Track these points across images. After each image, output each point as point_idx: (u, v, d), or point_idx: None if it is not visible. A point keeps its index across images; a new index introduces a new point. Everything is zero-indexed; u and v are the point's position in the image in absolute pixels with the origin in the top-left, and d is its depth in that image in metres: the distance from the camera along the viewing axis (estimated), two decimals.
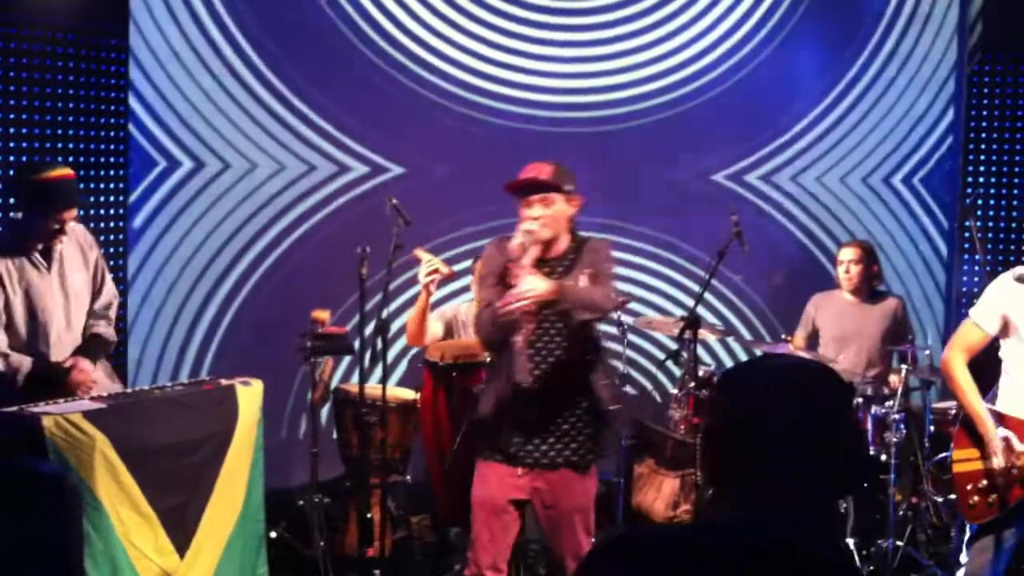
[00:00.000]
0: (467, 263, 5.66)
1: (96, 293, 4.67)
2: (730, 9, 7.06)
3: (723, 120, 7.07)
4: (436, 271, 4.73)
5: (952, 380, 4.25)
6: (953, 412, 5.05)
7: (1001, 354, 4.24)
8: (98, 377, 4.55)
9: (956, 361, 4.22)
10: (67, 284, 4.53)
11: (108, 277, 4.74)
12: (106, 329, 4.67)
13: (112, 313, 4.73)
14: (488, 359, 4.50)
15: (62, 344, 4.50)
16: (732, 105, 7.06)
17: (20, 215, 4.52)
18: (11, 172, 5.42)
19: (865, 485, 1.76)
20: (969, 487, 4.16)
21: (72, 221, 4.44)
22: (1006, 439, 4.08)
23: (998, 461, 4.07)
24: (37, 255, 4.43)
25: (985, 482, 4.13)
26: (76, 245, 4.58)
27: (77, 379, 4.42)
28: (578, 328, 3.99)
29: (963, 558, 4.21)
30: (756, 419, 1.77)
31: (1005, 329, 4.18)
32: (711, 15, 7.07)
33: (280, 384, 6.25)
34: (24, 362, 4.37)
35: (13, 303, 4.38)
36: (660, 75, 7.04)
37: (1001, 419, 4.15)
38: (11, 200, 5.08)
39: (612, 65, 7.03)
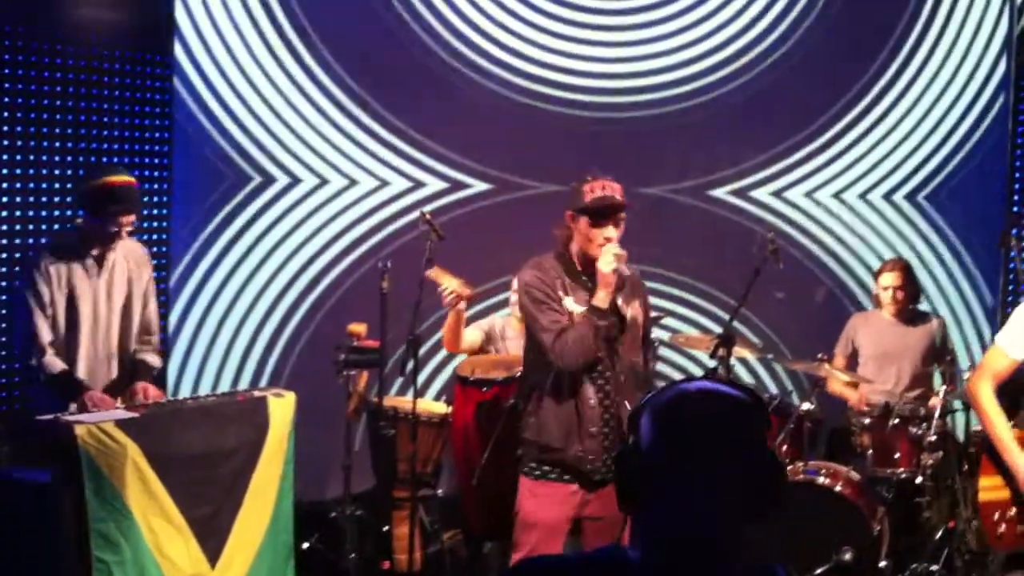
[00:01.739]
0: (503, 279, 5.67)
1: (150, 312, 4.84)
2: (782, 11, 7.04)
3: (761, 133, 7.05)
4: (455, 295, 4.77)
5: (979, 407, 4.17)
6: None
7: None
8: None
9: (983, 388, 4.13)
10: (113, 294, 4.68)
11: (153, 301, 4.89)
12: (152, 357, 4.84)
13: (155, 339, 4.89)
14: (518, 375, 4.48)
15: (94, 350, 4.64)
16: (768, 117, 7.02)
17: (81, 219, 4.69)
18: (75, 182, 5.59)
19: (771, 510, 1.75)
20: (996, 515, 4.10)
21: (129, 227, 4.61)
22: None
23: None
24: (91, 260, 4.61)
25: (1014, 510, 4.06)
26: (132, 260, 4.76)
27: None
28: (633, 348, 4.09)
29: None
30: (669, 445, 1.76)
31: None
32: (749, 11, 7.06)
33: (321, 396, 6.34)
34: (55, 365, 4.51)
35: (56, 301, 4.54)
36: (696, 92, 7.03)
37: None
38: (72, 202, 5.33)
39: (654, 80, 7.03)
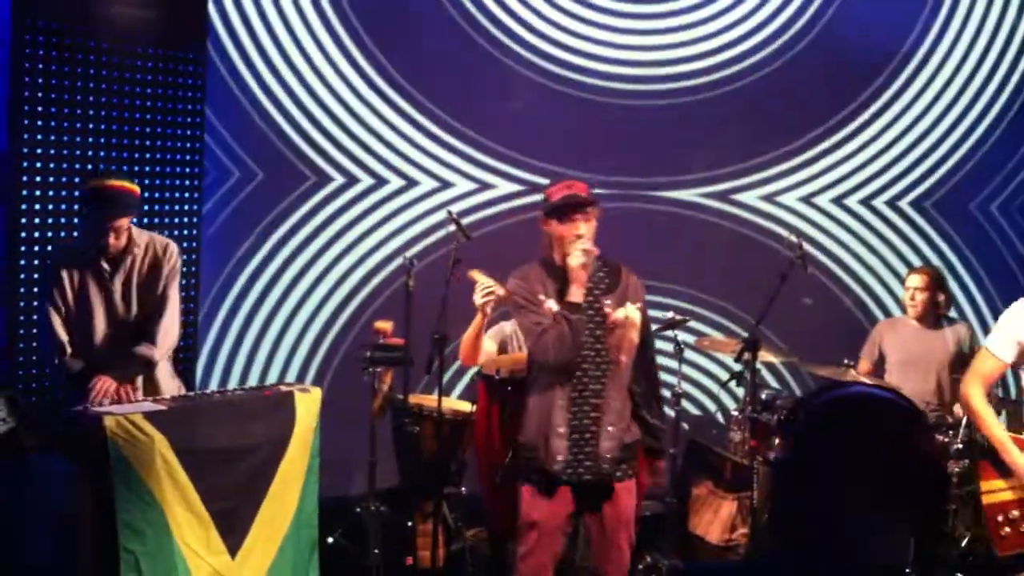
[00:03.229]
0: None
1: (154, 306, 4.67)
2: None
3: (793, 136, 7.05)
4: (492, 293, 4.74)
5: (972, 411, 4.25)
6: None
7: (1022, 382, 4.26)
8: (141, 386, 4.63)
9: (974, 392, 4.21)
10: (131, 295, 4.63)
11: (170, 293, 4.69)
12: (146, 349, 4.60)
13: (159, 329, 4.64)
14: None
15: (115, 349, 4.58)
16: (801, 121, 7.02)
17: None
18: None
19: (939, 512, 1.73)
20: (1000, 518, 4.14)
21: (124, 231, 4.54)
22: None
23: None
24: (104, 261, 4.58)
25: (1016, 512, 4.12)
26: (151, 256, 4.67)
27: (94, 388, 4.43)
28: (624, 351, 4.08)
29: None
30: (834, 453, 1.75)
31: (1021, 356, 4.17)
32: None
33: (347, 392, 6.38)
34: (74, 366, 4.52)
35: (69, 303, 4.55)
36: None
37: None
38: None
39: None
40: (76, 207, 5.65)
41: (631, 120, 6.88)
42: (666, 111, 6.93)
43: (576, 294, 4.02)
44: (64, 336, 4.55)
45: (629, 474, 4.15)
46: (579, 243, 4.03)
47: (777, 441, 5.50)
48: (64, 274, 4.55)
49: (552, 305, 4.05)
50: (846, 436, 1.77)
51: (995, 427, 4.17)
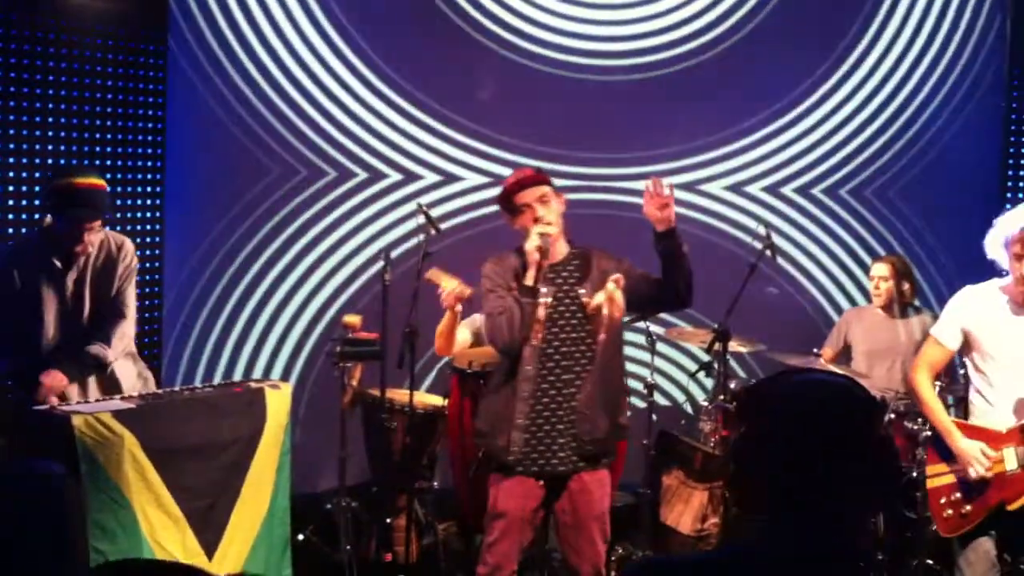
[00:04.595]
0: None
1: (109, 306, 4.54)
2: None
3: (755, 127, 7.06)
4: (454, 295, 4.70)
5: (918, 397, 4.40)
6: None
7: (968, 369, 4.34)
8: (73, 392, 4.42)
9: (921, 379, 4.36)
10: (84, 292, 4.48)
11: (125, 291, 4.57)
12: (99, 349, 4.45)
13: (115, 331, 4.50)
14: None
15: (59, 348, 4.44)
16: (756, 108, 7.03)
17: (49, 218, 4.53)
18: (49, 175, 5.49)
19: (893, 500, 1.75)
20: (942, 501, 4.25)
21: (95, 232, 4.39)
22: (981, 449, 4.14)
23: (975, 470, 4.13)
24: (57, 260, 4.43)
25: (958, 494, 4.22)
26: (107, 255, 4.54)
27: (44, 383, 4.29)
28: (589, 335, 4.04)
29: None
30: (795, 436, 1.75)
31: (967, 344, 4.27)
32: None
33: (316, 388, 6.33)
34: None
35: (20, 304, 4.40)
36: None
37: (972, 432, 4.22)
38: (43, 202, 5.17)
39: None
40: (37, 202, 5.55)
41: (599, 112, 6.86)
42: (634, 104, 6.91)
43: (529, 277, 3.96)
44: (12, 340, 4.41)
45: (601, 465, 4.11)
46: (537, 226, 3.98)
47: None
48: (15, 275, 4.39)
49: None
50: (801, 421, 1.77)
51: (941, 413, 4.29)
